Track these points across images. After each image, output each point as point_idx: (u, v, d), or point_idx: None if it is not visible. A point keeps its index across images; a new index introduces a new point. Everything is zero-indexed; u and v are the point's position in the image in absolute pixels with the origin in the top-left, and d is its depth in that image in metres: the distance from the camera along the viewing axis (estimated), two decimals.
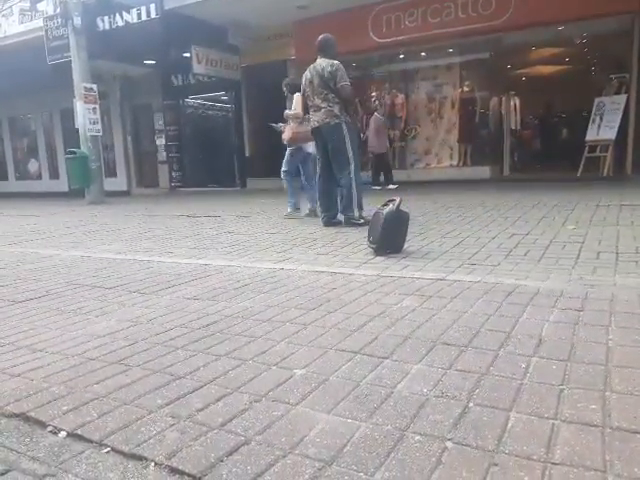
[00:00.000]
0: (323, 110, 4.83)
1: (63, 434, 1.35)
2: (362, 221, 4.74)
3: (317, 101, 4.88)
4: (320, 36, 5.00)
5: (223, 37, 11.31)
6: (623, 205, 5.05)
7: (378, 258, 3.43)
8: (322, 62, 4.84)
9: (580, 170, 8.82)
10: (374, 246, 3.60)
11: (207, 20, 10.40)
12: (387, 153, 10.09)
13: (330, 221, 5.08)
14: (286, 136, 5.84)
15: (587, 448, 1.16)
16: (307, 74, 4.98)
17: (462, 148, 10.77)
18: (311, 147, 5.69)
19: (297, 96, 5.89)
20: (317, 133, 4.98)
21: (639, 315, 1.99)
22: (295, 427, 1.32)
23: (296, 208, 6.05)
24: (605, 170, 8.53)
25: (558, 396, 1.40)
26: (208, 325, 2.18)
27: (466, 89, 10.75)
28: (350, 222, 4.86)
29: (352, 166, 4.79)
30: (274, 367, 1.70)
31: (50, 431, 1.37)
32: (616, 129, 8.27)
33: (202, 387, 1.58)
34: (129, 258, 3.93)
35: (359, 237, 4.21)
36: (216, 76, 11.93)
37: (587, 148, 8.83)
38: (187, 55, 11.20)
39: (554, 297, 2.28)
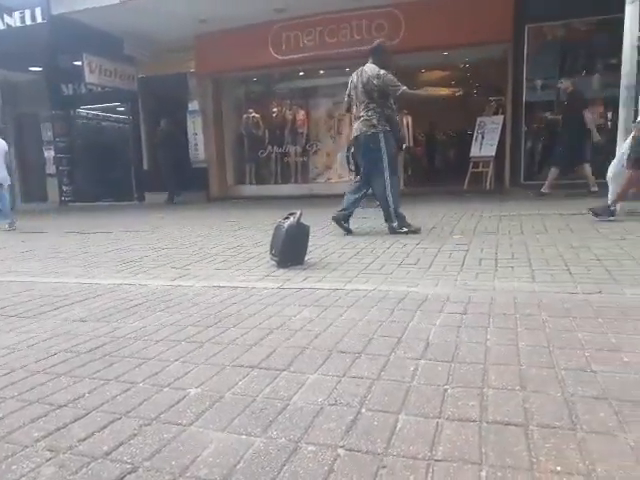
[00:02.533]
0: (362, 119, 4.81)
1: None
2: (405, 230, 4.70)
3: (359, 109, 4.87)
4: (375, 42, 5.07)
5: (118, 47, 10.80)
6: (502, 216, 5.54)
7: (280, 270, 3.45)
8: (368, 69, 4.79)
9: (466, 184, 9.54)
10: (276, 259, 3.61)
11: (100, 28, 9.87)
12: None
13: (337, 219, 4.99)
14: None
15: (466, 443, 1.25)
16: (353, 77, 4.93)
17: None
18: None
19: None
20: (356, 142, 4.99)
21: (514, 316, 2.18)
22: (187, 449, 1.28)
23: None
24: (487, 184, 9.31)
25: (442, 396, 1.49)
26: (96, 348, 2.05)
27: None
28: (395, 232, 4.75)
29: (386, 176, 4.74)
30: (167, 388, 1.63)
31: None
32: (495, 146, 9.07)
33: (86, 415, 1.48)
34: (8, 280, 3.59)
35: (261, 251, 4.20)
36: (111, 87, 11.36)
37: (472, 164, 9.59)
38: (78, 63, 10.55)
39: (441, 302, 2.43)
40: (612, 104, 8.44)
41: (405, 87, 4.78)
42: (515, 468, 1.14)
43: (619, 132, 5.51)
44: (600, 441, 1.22)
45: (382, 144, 4.73)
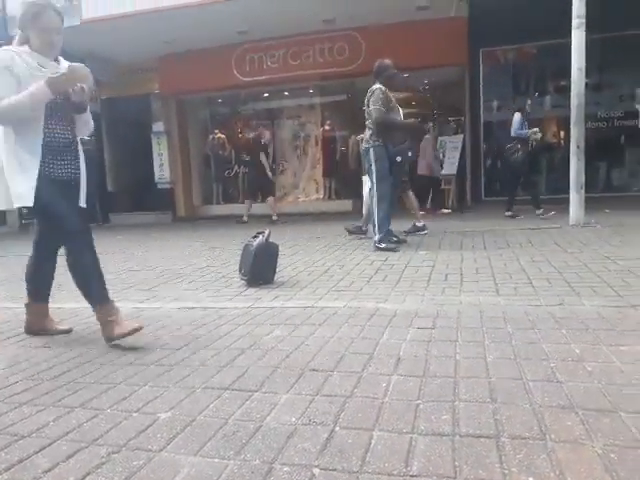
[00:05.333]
0: (365, 135, 5.12)
1: None
2: (383, 245, 4.74)
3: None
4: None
5: None
6: (465, 232, 5.67)
7: (250, 290, 3.42)
8: (371, 87, 5.02)
9: (429, 202, 9.74)
10: (246, 278, 3.59)
11: (61, 49, 9.71)
12: (434, 177, 9.30)
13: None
14: None
15: (440, 457, 1.26)
16: None
17: (327, 183, 11.30)
18: None
19: None
20: None
21: (481, 330, 2.23)
22: (159, 475, 1.24)
23: None
24: (449, 201, 9.54)
25: (415, 411, 1.50)
26: (60, 375, 1.98)
27: (327, 128, 11.37)
28: (375, 246, 4.81)
29: (375, 189, 4.87)
30: (135, 413, 1.59)
31: None
32: (456, 165, 9.33)
33: (51, 444, 1.42)
34: None
35: (231, 270, 4.16)
36: None
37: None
38: None
39: (410, 317, 2.46)
40: (563, 123, 8.88)
41: (383, 110, 4.86)
42: None
43: (572, 148, 5.77)
44: (569, 450, 1.25)
45: (371, 158, 4.89)
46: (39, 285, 2.61)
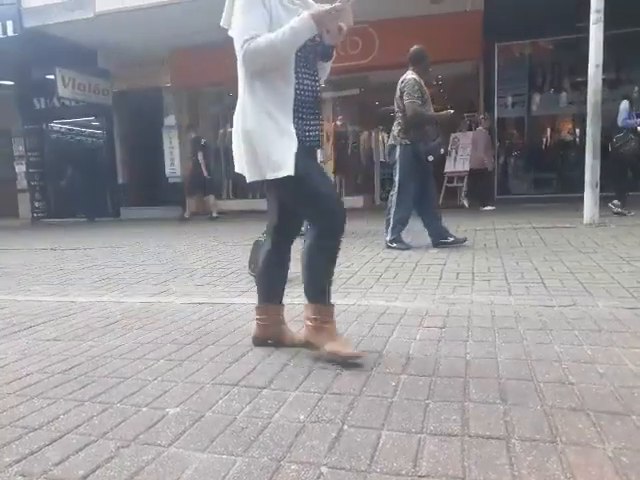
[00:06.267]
0: (392, 130, 4.77)
1: None
2: (394, 245, 4.64)
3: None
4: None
5: (92, 60, 10.72)
6: (477, 230, 5.62)
7: None
8: (404, 76, 4.66)
9: (441, 199, 9.67)
10: (255, 274, 3.58)
11: (74, 42, 9.77)
12: (488, 171, 9.01)
13: (437, 243, 4.69)
14: None
15: (449, 458, 1.25)
16: None
17: (338, 178, 11.27)
18: None
19: None
20: None
21: (492, 329, 2.21)
22: (167, 470, 1.25)
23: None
24: (462, 199, 9.47)
25: (424, 411, 1.49)
26: (71, 368, 1.99)
27: (339, 123, 11.32)
28: (386, 244, 4.72)
29: (396, 189, 4.66)
30: (145, 408, 1.60)
31: None
32: (469, 161, 9.24)
33: (61, 438, 1.43)
34: None
35: (240, 266, 4.17)
36: (84, 101, 11.23)
37: (446, 179, 9.75)
38: (51, 77, 10.41)
39: (420, 316, 2.45)
40: (580, 121, 8.76)
41: (418, 103, 4.53)
42: None
43: (587, 147, 5.69)
44: (580, 453, 1.24)
45: (397, 157, 4.64)
46: (275, 283, 2.15)
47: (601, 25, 5.45)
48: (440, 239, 4.67)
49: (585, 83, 5.82)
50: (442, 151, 5.14)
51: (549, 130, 10.21)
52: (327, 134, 11.31)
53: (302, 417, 1.49)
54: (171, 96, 11.23)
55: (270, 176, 1.85)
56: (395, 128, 4.70)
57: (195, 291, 3.39)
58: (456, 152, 9.46)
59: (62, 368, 2.00)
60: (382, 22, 9.26)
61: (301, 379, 1.77)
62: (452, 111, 5.22)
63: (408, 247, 4.65)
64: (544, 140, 10.23)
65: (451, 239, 4.64)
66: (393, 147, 4.71)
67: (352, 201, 10.58)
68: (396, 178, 4.67)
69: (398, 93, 4.65)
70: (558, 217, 6.41)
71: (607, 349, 1.91)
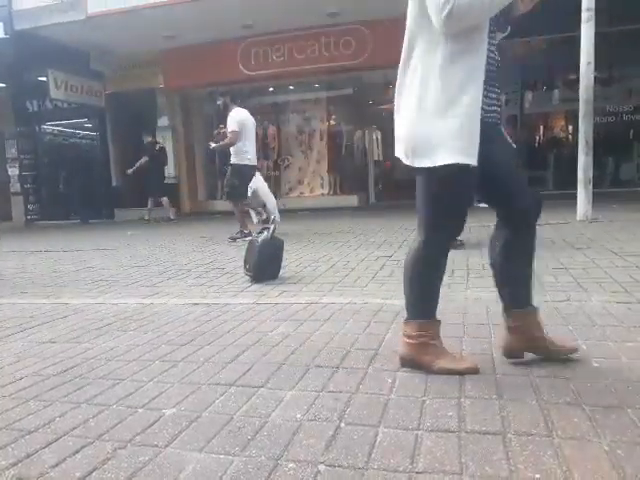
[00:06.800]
0: None
1: None
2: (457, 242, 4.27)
3: None
4: None
5: (84, 62, 10.67)
6: (471, 226, 5.63)
7: (255, 286, 3.42)
8: None
9: None
10: (250, 274, 3.59)
11: (66, 44, 9.73)
12: None
13: None
14: None
15: (446, 454, 1.25)
16: None
17: (332, 178, 11.27)
18: None
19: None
20: None
21: (487, 326, 2.22)
22: (164, 471, 1.25)
23: None
24: None
25: (421, 407, 1.50)
26: (66, 370, 1.99)
27: (333, 122, 11.33)
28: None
29: None
30: (141, 409, 1.59)
31: None
32: None
33: (57, 440, 1.43)
34: None
35: (235, 266, 4.16)
36: (77, 102, 11.18)
37: None
38: (44, 79, 10.36)
39: None
40: (572, 118, 8.81)
41: None
42: (495, 477, 1.15)
43: (580, 143, 5.72)
44: (576, 447, 1.24)
45: None
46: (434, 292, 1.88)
47: (592, 23, 5.49)
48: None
49: (577, 80, 5.85)
50: None
51: (542, 127, 10.27)
52: (321, 133, 11.35)
53: (299, 416, 1.49)
54: (164, 97, 11.20)
55: (449, 160, 1.57)
56: None
57: (190, 292, 3.39)
58: None
59: (57, 370, 1.99)
60: (375, 22, 9.28)
61: (297, 378, 1.77)
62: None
63: (459, 243, 4.34)
64: (537, 137, 10.29)
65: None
66: None
67: (346, 200, 10.59)
68: None
69: None
70: (551, 213, 6.44)
71: (601, 343, 1.92)
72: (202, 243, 6.07)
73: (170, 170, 11.25)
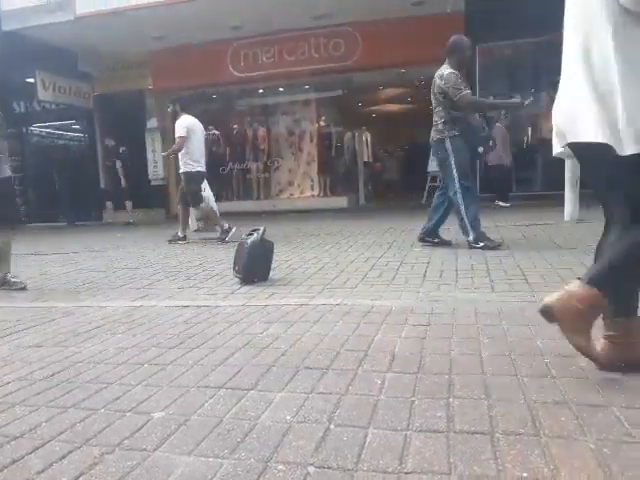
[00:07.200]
0: (433, 125, 4.50)
1: None
2: (481, 244, 4.26)
3: (434, 115, 4.52)
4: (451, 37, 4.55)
5: (72, 63, 10.59)
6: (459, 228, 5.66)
7: (244, 288, 3.41)
8: (440, 71, 4.44)
9: (424, 198, 9.76)
10: (240, 276, 3.57)
11: (54, 45, 9.65)
12: (507, 167, 9.07)
13: (423, 237, 4.65)
14: None
15: (435, 454, 1.26)
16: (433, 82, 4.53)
17: (322, 179, 11.29)
18: None
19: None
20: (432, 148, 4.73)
21: (476, 326, 2.23)
22: (152, 475, 1.24)
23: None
24: None
25: (410, 408, 1.50)
26: (53, 375, 1.97)
27: (323, 124, 11.35)
28: (470, 246, 4.32)
29: (457, 185, 4.32)
30: (129, 413, 1.58)
31: None
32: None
33: (44, 445, 1.41)
34: None
35: (225, 268, 4.15)
36: (65, 104, 11.09)
37: (429, 178, 9.83)
38: (31, 80, 10.27)
39: (405, 314, 2.46)
40: None
41: (468, 91, 4.36)
42: (483, 476, 1.15)
43: None
44: (563, 445, 1.25)
45: (449, 150, 4.37)
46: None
47: None
48: (427, 235, 4.64)
49: None
50: (491, 143, 4.97)
51: (530, 129, 10.34)
52: (310, 135, 11.36)
53: (289, 417, 1.49)
54: (153, 98, 11.15)
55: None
56: (439, 122, 4.45)
57: (179, 294, 3.37)
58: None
59: (44, 375, 1.97)
60: (364, 23, 9.33)
61: (287, 380, 1.76)
62: (529, 100, 5.08)
63: (497, 243, 4.31)
64: (525, 139, 10.36)
65: (437, 240, 4.63)
66: (441, 141, 4.43)
67: (336, 201, 10.62)
68: (454, 173, 4.33)
69: (436, 88, 4.44)
70: (539, 214, 6.50)
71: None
72: (190, 245, 6.04)
73: (159, 172, 11.20)
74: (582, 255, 3.68)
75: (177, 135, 6.05)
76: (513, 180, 9.44)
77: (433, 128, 4.54)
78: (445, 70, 4.40)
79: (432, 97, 4.55)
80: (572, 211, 5.71)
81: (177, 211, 6.49)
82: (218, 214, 6.55)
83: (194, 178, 6.15)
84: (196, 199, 6.21)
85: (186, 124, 6.04)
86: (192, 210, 6.54)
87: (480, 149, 4.52)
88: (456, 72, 4.36)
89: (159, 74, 10.60)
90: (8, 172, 3.93)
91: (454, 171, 4.34)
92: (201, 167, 6.19)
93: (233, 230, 6.02)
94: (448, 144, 4.37)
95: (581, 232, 4.85)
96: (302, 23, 9.38)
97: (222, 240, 5.96)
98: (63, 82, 10.73)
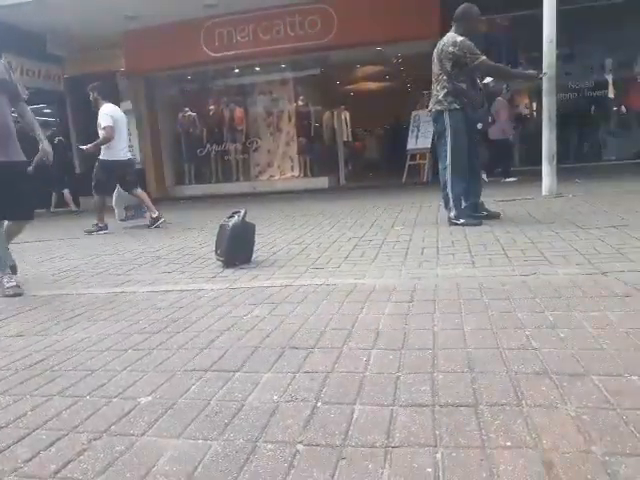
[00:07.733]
0: (433, 95, 4.35)
1: None
2: (462, 221, 4.22)
3: (433, 84, 4.37)
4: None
5: (41, 45, 10.23)
6: (440, 206, 5.70)
7: (227, 271, 3.40)
8: (446, 38, 4.27)
9: (404, 176, 9.78)
10: (222, 259, 3.55)
11: (20, 27, 9.29)
12: (509, 140, 8.81)
13: (470, 214, 4.37)
14: None
15: (421, 427, 1.28)
16: (435, 51, 4.36)
17: (302, 160, 11.21)
18: None
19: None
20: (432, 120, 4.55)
21: (458, 301, 2.26)
22: (142, 460, 1.24)
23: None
24: (424, 175, 9.59)
25: (395, 383, 1.52)
26: (36, 363, 1.94)
27: (301, 103, 11.22)
28: (451, 222, 4.30)
29: (448, 159, 4.24)
30: (115, 399, 1.58)
31: None
32: (430, 138, 9.35)
33: (30, 434, 1.40)
34: None
35: (207, 251, 4.12)
36: (34, 87, 10.73)
37: (409, 157, 9.85)
38: None
39: (388, 292, 2.48)
40: (535, 95, 8.96)
41: (485, 57, 4.23)
42: (468, 447, 1.18)
43: (544, 120, 5.82)
44: (544, 414, 1.29)
45: (446, 123, 4.25)
46: None
47: (554, 1, 5.55)
48: (471, 211, 4.41)
49: (540, 58, 5.93)
50: (490, 119, 4.90)
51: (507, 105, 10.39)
52: (289, 114, 11.24)
53: (276, 397, 1.50)
54: (126, 81, 10.87)
55: None
56: (440, 92, 4.29)
57: (161, 279, 3.34)
58: (418, 130, 9.54)
59: (27, 364, 1.95)
60: (340, 1, 9.18)
61: (273, 360, 1.77)
62: (543, 73, 5.16)
63: (479, 222, 4.25)
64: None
65: (484, 213, 4.49)
66: (440, 113, 4.30)
67: (317, 182, 10.57)
68: (447, 147, 4.26)
69: (444, 55, 4.26)
70: (518, 189, 6.57)
71: (567, 314, 1.98)
72: (171, 229, 5.98)
73: (135, 155, 10.97)
74: (560, 229, 3.75)
75: (104, 124, 5.98)
76: (514, 154, 9.49)
77: (432, 98, 4.42)
78: (457, 37, 4.24)
79: (436, 66, 4.37)
80: (550, 185, 5.79)
81: (94, 201, 6.43)
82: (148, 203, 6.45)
83: (110, 167, 6.14)
84: (101, 187, 6.26)
85: (110, 112, 6.00)
86: (118, 199, 6.53)
87: (479, 125, 4.42)
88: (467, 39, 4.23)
89: (131, 55, 10.32)
90: None
91: (448, 146, 4.27)
92: (121, 156, 6.20)
93: (161, 221, 6.15)
94: (447, 117, 4.26)
95: (559, 206, 4.93)
96: (277, 1, 9.19)
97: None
98: (31, 65, 10.38)
